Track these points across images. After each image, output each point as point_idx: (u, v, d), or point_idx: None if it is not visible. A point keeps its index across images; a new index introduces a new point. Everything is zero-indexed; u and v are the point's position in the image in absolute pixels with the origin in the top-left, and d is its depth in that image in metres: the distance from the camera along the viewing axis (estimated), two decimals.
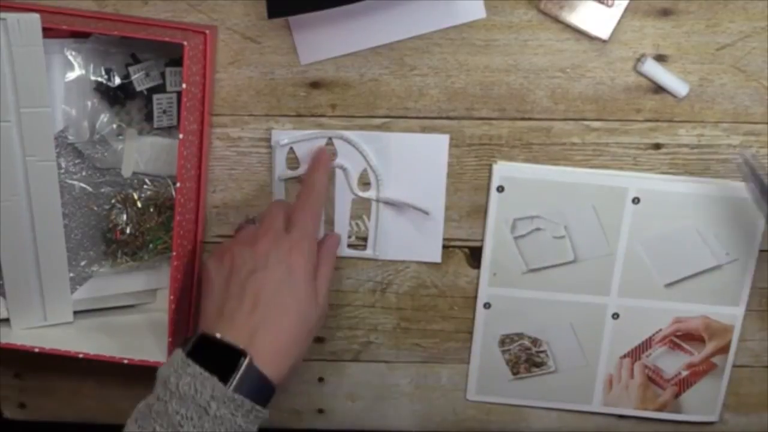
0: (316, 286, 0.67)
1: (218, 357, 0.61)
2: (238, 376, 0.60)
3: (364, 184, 0.76)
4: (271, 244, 0.66)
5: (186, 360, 0.61)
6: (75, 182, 0.75)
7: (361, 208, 0.77)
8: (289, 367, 0.64)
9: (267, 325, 0.63)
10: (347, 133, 0.74)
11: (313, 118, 0.74)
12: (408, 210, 0.76)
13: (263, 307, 0.64)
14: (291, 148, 0.75)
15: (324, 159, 0.73)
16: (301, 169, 0.75)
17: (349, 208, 0.77)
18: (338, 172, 0.76)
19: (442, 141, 0.74)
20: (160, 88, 0.73)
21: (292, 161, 0.75)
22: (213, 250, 0.71)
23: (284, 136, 0.74)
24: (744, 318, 0.78)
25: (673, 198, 0.75)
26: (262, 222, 0.69)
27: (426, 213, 0.76)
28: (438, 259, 0.78)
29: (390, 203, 0.76)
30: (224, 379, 0.60)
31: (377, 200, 0.76)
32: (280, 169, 0.75)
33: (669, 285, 0.77)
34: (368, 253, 0.78)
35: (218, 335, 0.62)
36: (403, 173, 0.75)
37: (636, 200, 0.75)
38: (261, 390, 0.62)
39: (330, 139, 0.75)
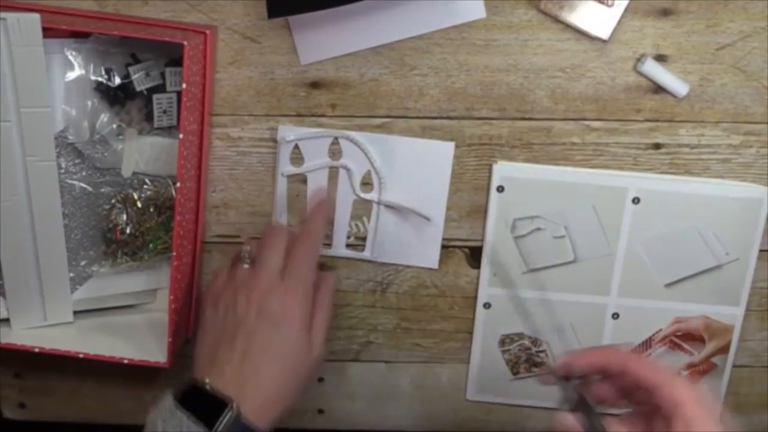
0: (311, 335, 0.67)
1: (207, 404, 0.61)
2: (222, 423, 0.60)
3: (365, 184, 0.76)
4: (265, 292, 0.66)
5: (174, 405, 0.61)
6: (75, 182, 0.75)
7: (362, 209, 0.77)
8: (278, 413, 0.65)
9: (257, 375, 0.64)
10: (353, 134, 0.74)
11: (313, 117, 0.74)
12: (408, 215, 0.76)
13: (254, 358, 0.64)
14: (296, 145, 0.75)
15: (323, 207, 0.72)
16: (305, 167, 0.75)
17: (350, 208, 0.77)
18: (342, 172, 0.76)
19: (447, 149, 0.74)
20: (160, 88, 0.73)
21: (297, 158, 0.75)
22: (210, 289, 0.69)
23: (290, 132, 0.74)
24: (744, 318, 0.78)
25: (673, 198, 0.75)
26: (259, 260, 0.68)
27: (427, 219, 0.76)
28: (435, 265, 0.78)
29: (391, 206, 0.76)
30: (211, 425, 0.60)
31: (378, 202, 0.76)
32: (284, 165, 0.75)
33: (669, 285, 0.77)
34: (366, 254, 0.78)
35: (207, 383, 0.63)
36: (406, 177, 0.75)
37: (636, 200, 0.75)
38: None
39: (336, 138, 0.75)
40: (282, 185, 0.76)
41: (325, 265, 0.78)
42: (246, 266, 0.68)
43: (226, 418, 0.60)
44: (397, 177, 0.75)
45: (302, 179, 0.76)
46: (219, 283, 0.69)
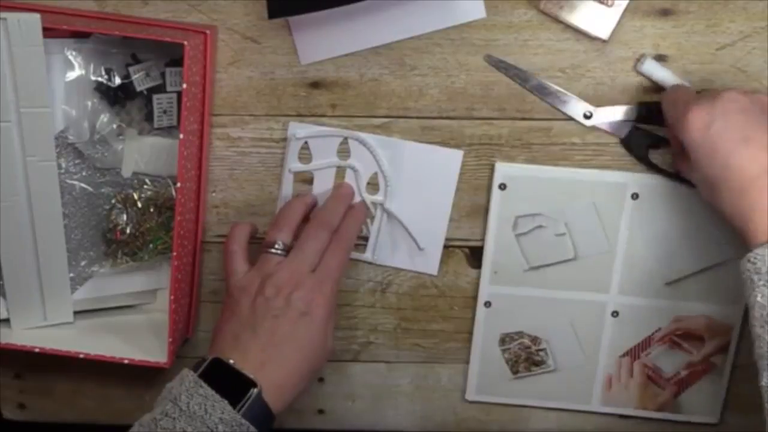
0: (331, 330, 0.70)
1: (227, 382, 0.63)
2: (247, 403, 0.63)
3: (370, 184, 0.76)
4: (295, 284, 0.68)
5: (198, 381, 0.63)
6: (75, 182, 0.75)
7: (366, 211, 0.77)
8: (289, 400, 0.67)
9: (278, 361, 0.66)
10: (363, 135, 0.74)
11: (314, 118, 0.74)
12: (410, 221, 0.76)
13: (278, 345, 0.66)
14: (305, 143, 0.75)
15: (362, 212, 0.75)
16: (313, 165, 0.75)
17: None
18: (349, 173, 0.76)
19: (455, 157, 0.74)
20: (160, 88, 0.73)
21: (305, 156, 0.75)
22: (234, 270, 0.70)
23: (301, 129, 0.74)
24: (744, 317, 0.78)
25: (673, 196, 0.75)
26: (296, 254, 0.69)
27: (420, 249, 0.77)
28: (435, 272, 0.78)
29: (393, 217, 0.76)
30: (232, 404, 0.62)
31: (383, 207, 0.76)
32: (292, 161, 0.75)
33: (669, 283, 0.77)
34: (367, 256, 0.78)
35: (232, 362, 0.65)
36: (412, 183, 0.75)
37: (635, 196, 0.74)
38: (264, 419, 0.64)
39: (345, 138, 0.74)
40: (288, 182, 0.76)
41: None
42: (277, 254, 0.70)
43: (251, 398, 0.63)
44: (403, 181, 0.75)
45: (306, 178, 0.76)
46: (245, 268, 0.71)
